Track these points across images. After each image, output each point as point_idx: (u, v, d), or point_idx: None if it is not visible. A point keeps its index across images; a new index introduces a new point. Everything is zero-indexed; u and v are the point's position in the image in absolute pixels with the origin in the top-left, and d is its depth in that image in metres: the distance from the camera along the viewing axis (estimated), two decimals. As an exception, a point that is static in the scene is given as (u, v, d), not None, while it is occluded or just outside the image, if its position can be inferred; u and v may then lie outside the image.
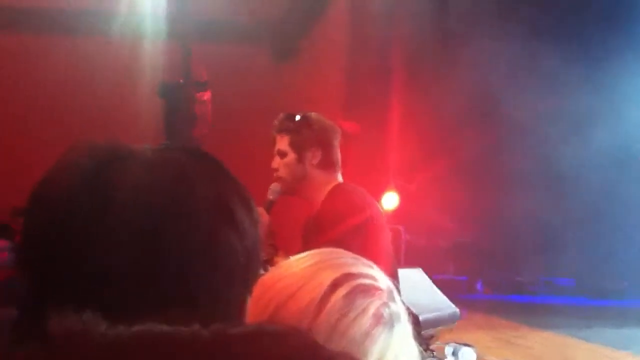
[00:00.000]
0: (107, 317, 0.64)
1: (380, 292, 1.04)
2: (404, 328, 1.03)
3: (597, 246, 11.95)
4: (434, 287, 5.30)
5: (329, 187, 3.08)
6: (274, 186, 3.14)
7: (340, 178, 3.14)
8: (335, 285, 1.01)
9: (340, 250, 1.12)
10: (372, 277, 1.06)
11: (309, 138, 3.07)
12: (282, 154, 3.09)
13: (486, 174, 11.63)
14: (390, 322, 1.01)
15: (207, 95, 5.98)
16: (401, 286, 3.27)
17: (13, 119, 10.01)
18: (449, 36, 11.14)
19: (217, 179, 0.79)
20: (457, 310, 5.17)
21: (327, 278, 1.02)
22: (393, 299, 1.06)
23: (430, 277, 5.59)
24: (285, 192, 3.14)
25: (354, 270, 1.05)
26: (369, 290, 1.03)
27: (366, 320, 0.99)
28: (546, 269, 12.55)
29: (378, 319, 1.00)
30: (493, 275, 12.37)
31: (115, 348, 0.59)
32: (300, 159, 3.07)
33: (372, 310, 1.00)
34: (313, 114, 3.14)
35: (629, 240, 11.68)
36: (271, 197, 3.13)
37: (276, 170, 3.12)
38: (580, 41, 11.36)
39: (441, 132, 10.99)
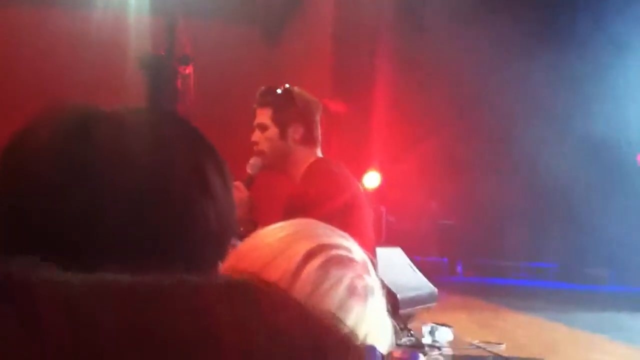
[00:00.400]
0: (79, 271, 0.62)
1: (355, 264, 1.02)
2: (378, 302, 1.01)
3: (581, 233, 12.04)
4: (413, 266, 5.30)
5: (309, 162, 3.05)
6: (254, 160, 3.09)
7: (319, 154, 3.10)
8: (309, 255, 1.00)
9: (316, 221, 1.11)
10: (347, 249, 1.04)
11: (292, 113, 3.02)
12: (263, 128, 3.04)
13: (471, 158, 11.66)
14: (364, 295, 0.99)
15: (189, 69, 5.92)
16: (380, 265, 3.26)
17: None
18: (437, 21, 11.10)
19: (193, 144, 0.78)
20: (436, 290, 5.18)
21: (302, 248, 1.01)
22: (368, 272, 1.04)
23: (411, 258, 5.60)
24: (265, 167, 3.09)
25: (328, 241, 1.04)
26: (343, 262, 1.01)
27: (340, 292, 0.97)
28: (529, 253, 12.64)
29: (352, 290, 0.98)
30: (474, 258, 12.44)
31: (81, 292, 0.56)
32: (282, 134, 3.02)
33: (346, 282, 0.98)
34: (295, 88, 3.09)
35: (612, 228, 11.77)
36: (251, 172, 3.08)
37: (256, 143, 3.07)
38: (559, 32, 11.40)
39: (426, 115, 11.00)
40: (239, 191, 3.00)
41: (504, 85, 11.25)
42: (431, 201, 12.52)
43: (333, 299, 0.96)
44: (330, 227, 1.10)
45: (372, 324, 0.99)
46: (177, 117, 0.82)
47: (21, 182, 0.71)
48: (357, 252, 1.06)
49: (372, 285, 1.02)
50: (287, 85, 3.08)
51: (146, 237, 0.71)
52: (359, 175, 8.78)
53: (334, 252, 1.02)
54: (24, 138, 0.74)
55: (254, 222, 2.95)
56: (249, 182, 3.06)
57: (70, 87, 9.56)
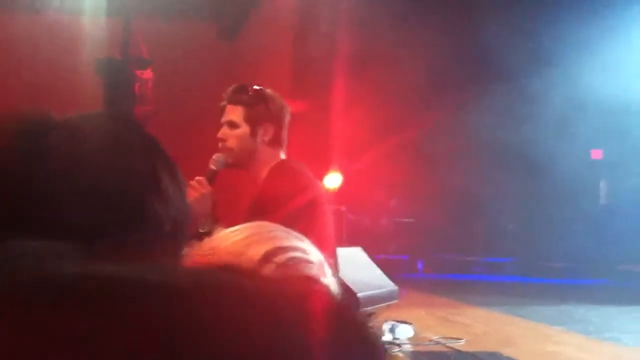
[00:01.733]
0: None
1: (310, 265, 1.04)
2: None
3: (537, 226, 12.22)
4: (374, 265, 5.35)
5: (273, 162, 3.07)
6: (218, 156, 3.09)
7: (283, 156, 3.13)
8: (266, 258, 1.02)
9: (272, 224, 1.12)
10: (303, 250, 1.07)
11: (264, 113, 3.04)
12: (233, 125, 3.05)
13: (427, 154, 11.76)
14: None
15: (147, 74, 5.87)
16: (341, 264, 3.30)
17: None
18: (396, 17, 11.17)
19: (145, 147, 0.79)
20: (396, 288, 5.23)
21: (258, 252, 1.03)
22: (324, 273, 1.06)
23: (371, 257, 5.64)
24: (230, 164, 3.10)
25: (284, 243, 1.06)
26: (299, 264, 1.04)
27: None
28: (486, 248, 12.79)
29: None
30: (434, 255, 12.55)
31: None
32: (252, 133, 3.04)
33: None
34: (268, 90, 3.11)
35: (569, 221, 11.97)
36: (214, 167, 3.09)
37: (223, 140, 3.07)
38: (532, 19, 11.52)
39: (384, 113, 11.06)
40: (202, 186, 3.02)
41: (461, 80, 11.38)
42: (390, 199, 12.61)
43: None
44: (286, 229, 1.12)
45: None
46: (131, 121, 0.82)
47: None
48: (313, 253, 1.08)
49: (328, 285, 1.04)
50: (258, 87, 3.09)
51: (99, 237, 0.70)
52: (320, 175, 8.81)
53: (290, 254, 1.04)
54: None
55: (215, 218, 2.95)
56: (211, 178, 3.07)
57: (25, 90, 9.40)
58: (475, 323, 6.28)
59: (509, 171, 11.79)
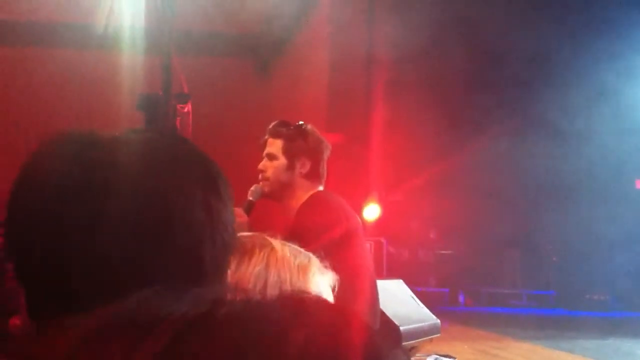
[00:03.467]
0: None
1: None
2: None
3: (580, 259, 12.02)
4: (415, 298, 5.29)
5: (308, 194, 3.10)
6: (256, 188, 3.16)
7: (321, 189, 3.16)
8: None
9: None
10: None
11: (302, 147, 3.12)
12: (273, 157, 3.13)
13: (469, 188, 11.68)
14: None
15: (187, 107, 5.97)
16: (382, 297, 3.27)
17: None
18: (429, 50, 11.19)
19: (201, 158, 0.80)
20: (438, 321, 5.17)
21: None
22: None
23: (412, 289, 5.58)
24: (267, 195, 3.16)
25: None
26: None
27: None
28: (529, 281, 12.61)
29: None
30: (475, 288, 12.40)
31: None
32: (290, 166, 3.11)
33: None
34: (309, 126, 3.20)
35: (611, 253, 11.76)
36: (252, 198, 3.16)
37: (263, 171, 3.16)
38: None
39: (424, 145, 11.03)
40: (239, 216, 3.07)
41: (501, 112, 11.32)
42: (429, 231, 12.52)
43: None
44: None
45: None
46: (175, 133, 0.83)
47: (26, 216, 0.73)
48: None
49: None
50: (301, 122, 3.17)
51: (181, 254, 0.71)
52: (358, 207, 8.79)
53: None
54: (25, 172, 0.75)
55: None
56: (249, 208, 3.13)
57: (65, 126, 9.57)
58: (517, 357, 6.18)
59: (552, 203, 11.65)
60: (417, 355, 4.94)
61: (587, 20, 11.15)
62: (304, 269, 1.18)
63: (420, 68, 11.08)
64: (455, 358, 4.99)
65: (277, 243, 1.22)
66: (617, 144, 11.24)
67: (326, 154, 3.19)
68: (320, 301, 0.53)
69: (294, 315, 0.49)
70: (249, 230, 3.02)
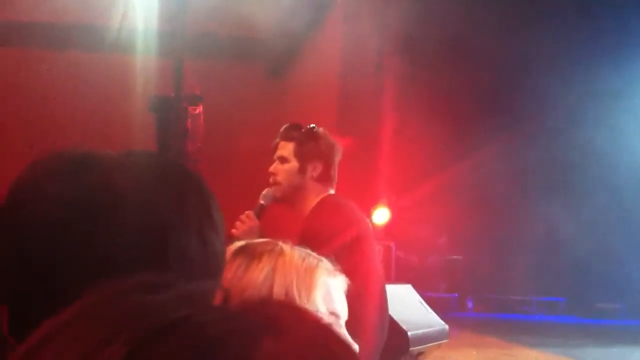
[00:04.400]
0: None
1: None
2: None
3: (591, 267, 11.96)
4: (424, 303, 5.27)
5: (319, 198, 3.09)
6: (267, 191, 3.13)
7: (332, 192, 3.15)
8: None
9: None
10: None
11: (314, 150, 3.08)
12: (284, 160, 3.10)
13: (479, 193, 11.65)
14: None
15: (199, 109, 5.99)
16: (390, 302, 3.26)
17: (3, 130, 9.99)
18: (441, 57, 11.19)
19: (196, 184, 0.79)
20: (447, 327, 5.15)
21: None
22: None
23: (421, 295, 5.57)
24: (278, 199, 3.15)
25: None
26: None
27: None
28: (539, 288, 12.55)
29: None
30: (484, 294, 12.36)
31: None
32: (301, 169, 3.07)
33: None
34: (321, 129, 3.17)
35: (624, 261, 11.71)
36: (263, 202, 3.13)
37: (274, 174, 3.12)
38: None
39: (434, 151, 11.02)
40: (250, 220, 3.06)
41: (514, 116, 11.29)
42: (439, 237, 12.49)
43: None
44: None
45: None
46: (175, 160, 0.82)
47: (21, 224, 0.72)
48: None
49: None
50: (312, 125, 3.16)
51: (175, 276, 0.71)
52: (368, 211, 8.79)
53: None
54: (21, 183, 0.75)
55: None
56: (260, 212, 3.11)
57: (80, 126, 9.62)
58: (526, 364, 6.15)
59: (564, 210, 11.60)
60: (425, 360, 4.92)
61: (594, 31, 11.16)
62: (310, 271, 1.18)
63: (432, 75, 11.08)
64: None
65: (287, 247, 1.22)
66: (632, 150, 11.20)
67: (338, 157, 3.16)
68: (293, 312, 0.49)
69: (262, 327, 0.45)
70: (260, 235, 3.03)
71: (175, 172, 0.79)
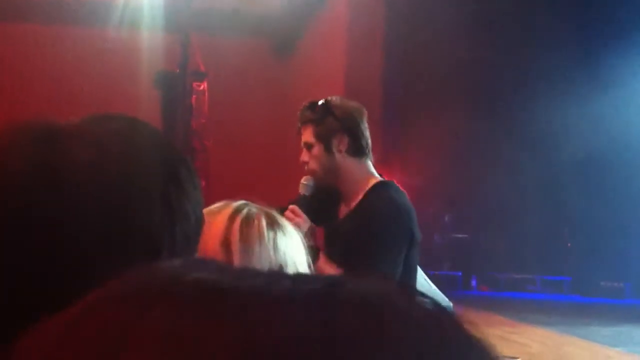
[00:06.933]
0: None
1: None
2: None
3: (596, 246, 11.95)
4: (429, 280, 5.27)
5: (367, 181, 2.85)
6: (307, 180, 2.90)
7: (371, 167, 2.89)
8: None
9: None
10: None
11: (332, 125, 2.84)
12: (309, 146, 2.87)
13: (484, 171, 11.62)
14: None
15: (203, 85, 5.94)
16: (395, 279, 3.24)
17: (12, 106, 10.00)
18: (446, 32, 11.11)
19: (162, 147, 0.77)
20: (451, 304, 5.14)
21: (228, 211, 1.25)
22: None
23: (425, 272, 5.56)
24: (320, 186, 2.89)
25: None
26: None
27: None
28: (544, 266, 12.55)
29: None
30: (488, 272, 12.37)
31: None
32: (327, 148, 2.84)
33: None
34: (335, 98, 2.91)
35: (628, 240, 11.69)
36: (305, 192, 2.89)
37: (306, 163, 2.88)
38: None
39: (437, 126, 10.97)
40: (296, 215, 2.80)
41: (524, 93, 11.23)
42: (444, 215, 12.48)
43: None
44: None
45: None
46: (138, 120, 0.79)
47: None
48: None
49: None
50: (323, 100, 2.90)
51: (141, 247, 0.69)
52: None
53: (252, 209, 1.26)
54: None
55: (315, 249, 2.72)
56: (303, 204, 2.87)
57: (85, 101, 9.62)
58: (531, 342, 6.16)
59: (569, 189, 11.57)
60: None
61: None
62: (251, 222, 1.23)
63: (437, 52, 11.02)
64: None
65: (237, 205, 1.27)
66: (637, 130, 11.14)
67: (363, 122, 2.89)
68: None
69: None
70: (312, 235, 2.84)
71: (140, 135, 0.76)
